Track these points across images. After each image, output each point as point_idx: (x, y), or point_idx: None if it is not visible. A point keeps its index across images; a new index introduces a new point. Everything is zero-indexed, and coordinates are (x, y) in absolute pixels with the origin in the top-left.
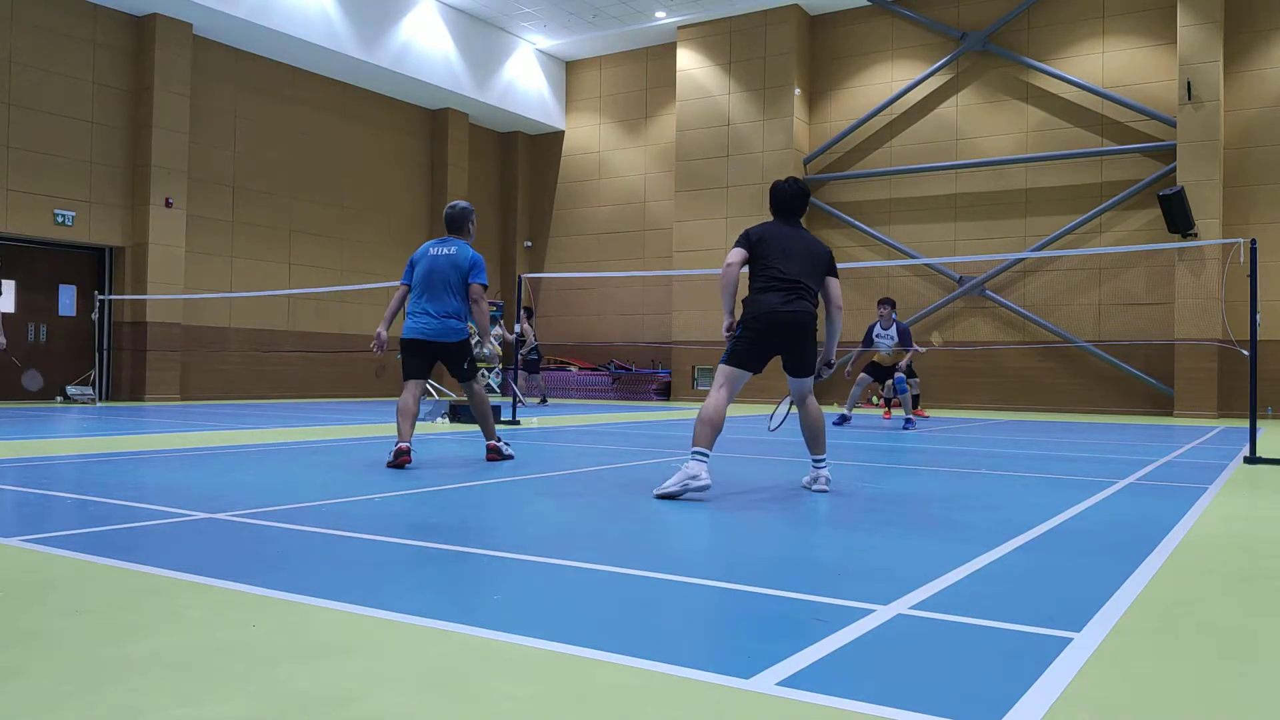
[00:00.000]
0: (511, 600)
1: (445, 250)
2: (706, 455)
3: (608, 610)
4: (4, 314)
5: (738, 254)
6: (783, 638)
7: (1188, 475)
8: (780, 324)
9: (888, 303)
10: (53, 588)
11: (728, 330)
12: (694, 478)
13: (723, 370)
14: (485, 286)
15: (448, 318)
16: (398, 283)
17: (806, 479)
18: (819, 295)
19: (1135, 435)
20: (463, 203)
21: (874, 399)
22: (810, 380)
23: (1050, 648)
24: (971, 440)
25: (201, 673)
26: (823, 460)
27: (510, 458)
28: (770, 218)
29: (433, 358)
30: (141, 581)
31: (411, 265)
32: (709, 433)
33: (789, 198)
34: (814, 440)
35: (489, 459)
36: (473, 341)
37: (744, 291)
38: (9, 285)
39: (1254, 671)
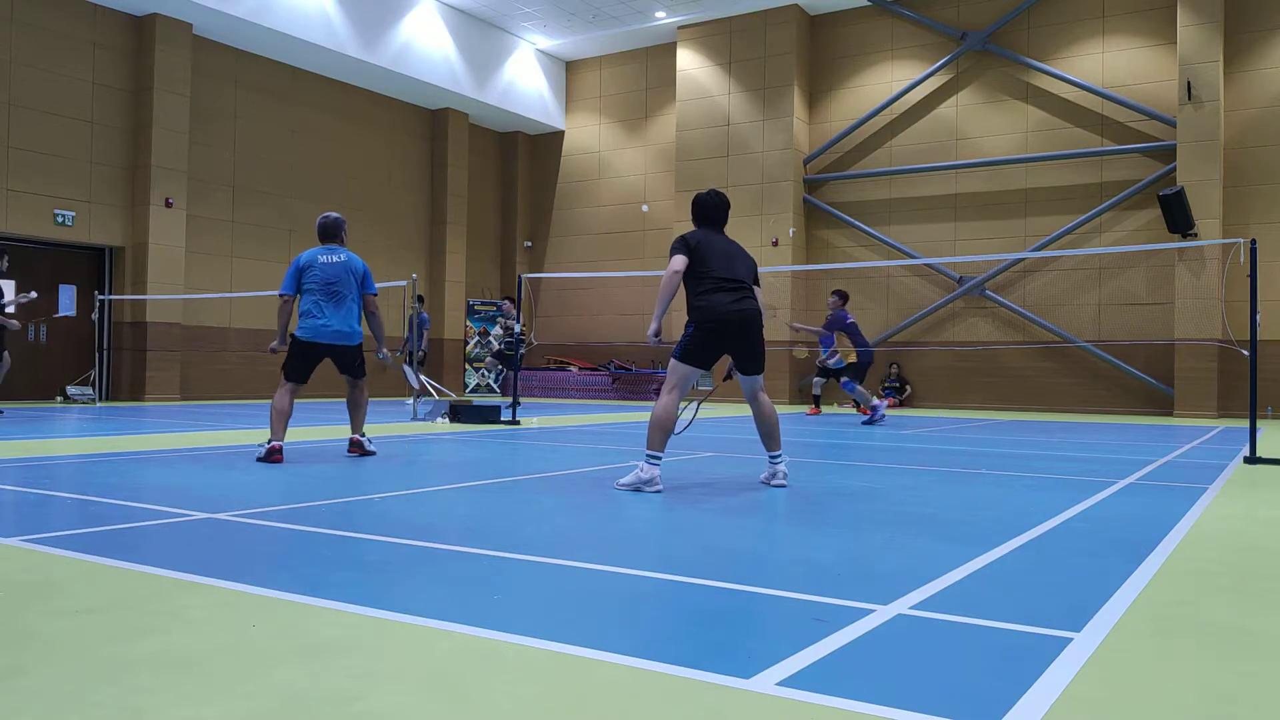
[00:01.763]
0: (511, 600)
1: (336, 258)
2: (659, 458)
3: (608, 610)
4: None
5: (681, 261)
6: (783, 638)
7: (1188, 475)
8: (735, 322)
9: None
10: (53, 588)
11: (655, 336)
12: (649, 482)
13: (676, 368)
14: (376, 295)
15: (349, 322)
16: (280, 293)
17: (764, 475)
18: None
19: (1135, 435)
20: (335, 213)
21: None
22: (761, 377)
23: (1050, 648)
24: (971, 440)
25: (201, 673)
26: (779, 455)
27: (373, 453)
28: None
29: (319, 361)
30: (141, 581)
31: (297, 272)
32: (661, 436)
33: (715, 208)
34: (769, 436)
35: (350, 452)
36: (380, 354)
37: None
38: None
39: (1254, 671)
